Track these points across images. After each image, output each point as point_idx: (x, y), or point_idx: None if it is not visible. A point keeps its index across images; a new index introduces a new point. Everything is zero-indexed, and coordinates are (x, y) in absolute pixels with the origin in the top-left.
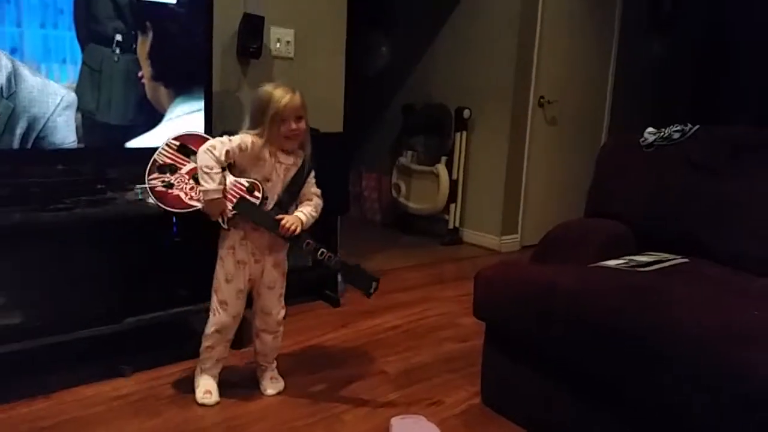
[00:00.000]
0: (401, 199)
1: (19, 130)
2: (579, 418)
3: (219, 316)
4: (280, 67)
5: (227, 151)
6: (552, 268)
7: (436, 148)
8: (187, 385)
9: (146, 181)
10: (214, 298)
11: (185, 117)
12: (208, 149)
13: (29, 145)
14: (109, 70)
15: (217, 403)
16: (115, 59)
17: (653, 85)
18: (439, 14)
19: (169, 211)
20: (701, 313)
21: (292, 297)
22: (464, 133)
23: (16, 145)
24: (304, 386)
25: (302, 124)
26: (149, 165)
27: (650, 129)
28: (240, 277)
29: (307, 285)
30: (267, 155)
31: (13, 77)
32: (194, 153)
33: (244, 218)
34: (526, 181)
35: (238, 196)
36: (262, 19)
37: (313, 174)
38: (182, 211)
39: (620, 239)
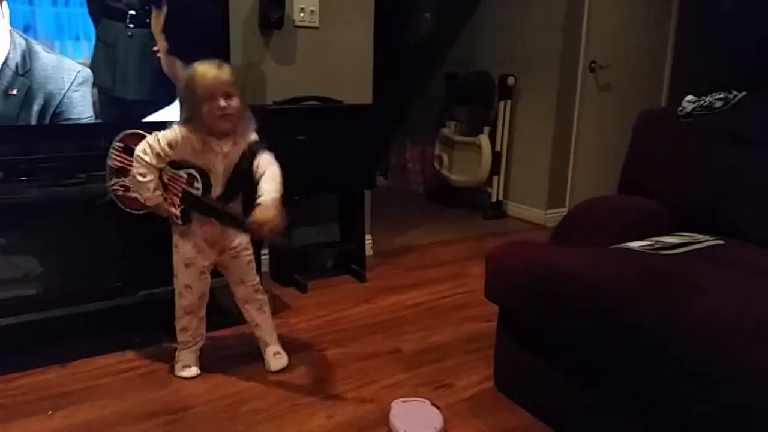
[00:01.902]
0: (443, 171)
1: (36, 107)
2: (589, 409)
3: (185, 299)
4: (303, 37)
5: (158, 155)
6: (564, 250)
7: (479, 118)
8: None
9: (108, 187)
10: (177, 283)
11: None
12: (138, 157)
13: (46, 121)
14: (124, 45)
15: (197, 375)
16: (129, 34)
17: (723, 46)
18: None
19: (131, 212)
20: (725, 305)
21: (317, 271)
22: (508, 102)
23: (33, 121)
24: (313, 361)
25: (234, 102)
26: (107, 170)
27: (690, 97)
28: (198, 259)
29: (334, 259)
30: (200, 145)
31: (28, 55)
32: None
33: (197, 212)
34: (575, 151)
35: (181, 190)
36: None
37: (265, 155)
38: (140, 211)
39: (651, 218)
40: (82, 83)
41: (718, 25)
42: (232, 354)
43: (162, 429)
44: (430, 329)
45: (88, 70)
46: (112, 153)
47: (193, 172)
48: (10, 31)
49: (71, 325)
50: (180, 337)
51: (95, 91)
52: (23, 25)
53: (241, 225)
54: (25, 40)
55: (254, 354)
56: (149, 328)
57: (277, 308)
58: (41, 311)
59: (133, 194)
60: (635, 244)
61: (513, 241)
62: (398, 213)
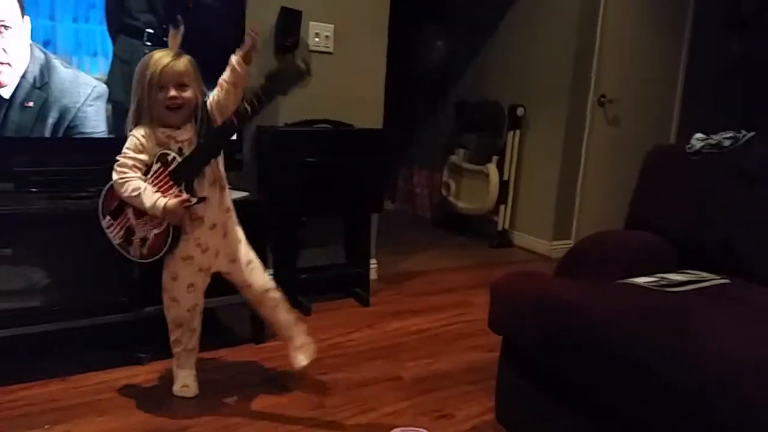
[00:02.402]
0: (450, 198)
1: (51, 120)
2: None
3: (173, 311)
4: (318, 61)
5: (134, 166)
6: (570, 283)
7: (487, 146)
8: (199, 376)
9: (136, 261)
10: (164, 295)
11: None
12: (118, 180)
13: (60, 134)
14: None
15: (196, 395)
16: (146, 52)
17: (731, 87)
18: (498, 8)
19: (146, 262)
20: (732, 346)
21: (322, 293)
22: (517, 132)
23: (47, 133)
24: (313, 385)
25: (187, 93)
26: (123, 254)
27: (698, 135)
28: (187, 272)
29: (338, 282)
30: (163, 138)
31: (46, 69)
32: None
33: (194, 180)
34: (582, 184)
35: (167, 177)
36: (299, 13)
37: None
38: (155, 257)
39: (657, 254)
40: (97, 98)
41: (728, 64)
42: (231, 375)
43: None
44: (432, 357)
45: (104, 86)
46: (110, 234)
47: (162, 151)
48: (30, 45)
49: (75, 339)
50: (173, 349)
51: (109, 106)
52: (43, 39)
53: (239, 120)
54: (45, 54)
55: (253, 375)
56: (153, 345)
57: None
58: (45, 324)
59: (150, 237)
60: (641, 280)
61: (518, 272)
62: (404, 238)
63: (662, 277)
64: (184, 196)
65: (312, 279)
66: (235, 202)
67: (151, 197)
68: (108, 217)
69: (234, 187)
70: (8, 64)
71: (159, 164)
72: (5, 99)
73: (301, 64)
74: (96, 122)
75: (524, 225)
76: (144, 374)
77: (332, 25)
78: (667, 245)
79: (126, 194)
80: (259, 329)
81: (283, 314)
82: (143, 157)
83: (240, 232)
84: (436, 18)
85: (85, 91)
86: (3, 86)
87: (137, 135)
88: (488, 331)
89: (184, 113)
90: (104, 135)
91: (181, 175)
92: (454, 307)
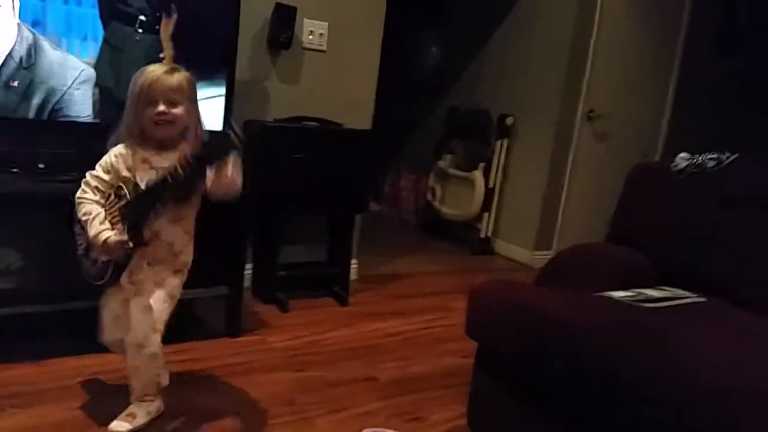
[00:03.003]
0: (435, 203)
1: (36, 101)
2: None
3: (104, 339)
4: (310, 59)
5: (96, 188)
6: (549, 293)
7: (475, 154)
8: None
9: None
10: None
11: (205, 101)
12: (78, 198)
13: (44, 116)
14: (131, 49)
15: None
16: (137, 38)
17: (720, 108)
18: (493, 18)
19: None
20: (715, 362)
21: (301, 290)
22: (505, 141)
23: (31, 114)
24: (287, 383)
25: (177, 110)
26: (81, 263)
27: (683, 154)
28: (112, 301)
29: (318, 280)
30: (134, 161)
31: (33, 49)
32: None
33: (144, 221)
34: (567, 197)
35: (117, 212)
36: (294, 9)
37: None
38: (102, 280)
39: (636, 269)
40: (84, 82)
41: (718, 84)
42: (204, 368)
43: None
44: (407, 360)
45: (92, 70)
46: (77, 241)
47: (119, 185)
48: (18, 24)
49: (50, 323)
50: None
51: (96, 91)
52: (32, 19)
53: (181, 175)
54: (33, 34)
55: (227, 368)
56: None
57: (256, 325)
58: (19, 306)
59: (100, 261)
60: (618, 294)
61: (498, 280)
62: (387, 240)
63: (639, 292)
64: (123, 237)
65: (291, 275)
66: None
67: (97, 228)
68: (78, 226)
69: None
70: None
71: (114, 196)
72: None
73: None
74: (82, 106)
75: (507, 233)
76: (116, 362)
77: (326, 23)
78: (646, 261)
79: (79, 215)
80: (235, 323)
81: (137, 379)
82: (107, 177)
83: (171, 285)
84: (431, 23)
85: (72, 74)
86: None
87: (112, 154)
88: (465, 337)
89: (172, 130)
90: (89, 119)
91: (127, 214)
92: (433, 311)
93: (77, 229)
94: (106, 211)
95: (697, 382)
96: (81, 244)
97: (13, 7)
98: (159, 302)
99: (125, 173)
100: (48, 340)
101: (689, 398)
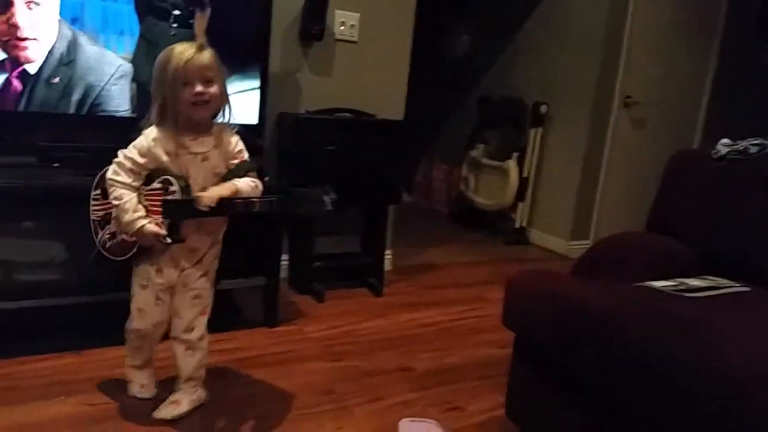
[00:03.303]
0: (469, 193)
1: (76, 96)
2: None
3: (137, 323)
4: (342, 50)
5: (131, 170)
6: (586, 283)
7: (508, 143)
8: (212, 357)
9: (97, 243)
10: (132, 304)
11: (240, 95)
12: (111, 180)
13: (84, 111)
14: (166, 43)
15: (154, 396)
16: (172, 33)
17: (761, 93)
18: (526, 3)
19: (117, 260)
20: (749, 355)
21: (336, 281)
22: (539, 129)
23: (72, 110)
24: (324, 372)
25: (213, 89)
26: (92, 227)
27: (725, 140)
28: (155, 282)
29: (353, 271)
30: (173, 146)
31: (73, 46)
32: None
33: (181, 222)
34: (604, 185)
35: (159, 203)
36: (326, 0)
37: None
38: (126, 256)
39: (677, 259)
40: (121, 77)
41: (758, 70)
42: (242, 357)
43: (168, 423)
44: (444, 350)
45: (129, 65)
46: (91, 206)
47: (168, 177)
48: (58, 21)
49: (90, 314)
50: (129, 353)
51: (134, 85)
52: (71, 16)
53: (243, 206)
54: (72, 31)
55: (264, 357)
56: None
57: (292, 315)
58: (62, 297)
59: (119, 238)
60: (659, 284)
61: (535, 270)
62: (420, 231)
63: (681, 282)
64: (162, 231)
65: (326, 267)
66: None
67: (132, 215)
68: (98, 191)
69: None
70: (35, 39)
71: (160, 186)
72: (32, 74)
73: (327, 202)
74: (120, 101)
75: (542, 223)
76: (163, 351)
77: (358, 14)
78: (687, 250)
79: (110, 197)
80: (273, 313)
81: (190, 365)
82: (143, 161)
83: (209, 268)
84: (462, 11)
85: (110, 69)
86: (30, 62)
87: (148, 137)
88: (501, 327)
89: (211, 109)
90: (127, 114)
91: (170, 210)
92: (468, 301)
93: (95, 194)
94: (142, 195)
95: (729, 372)
96: (97, 211)
97: (53, 5)
98: (206, 288)
99: (164, 158)
100: (89, 331)
101: (721, 388)
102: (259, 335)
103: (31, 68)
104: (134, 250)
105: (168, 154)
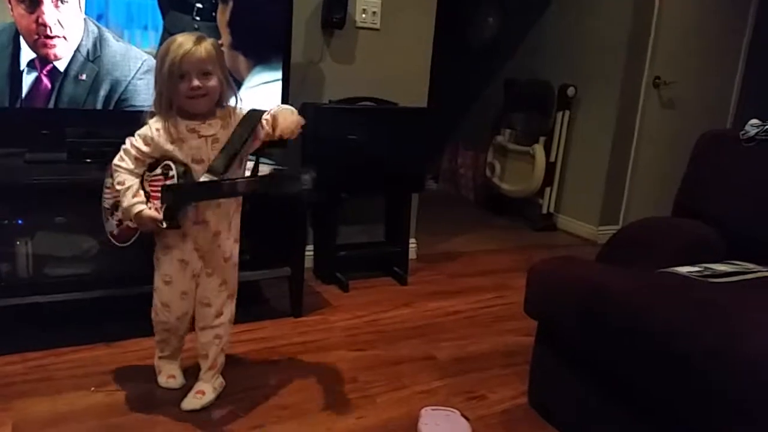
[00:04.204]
0: (495, 179)
1: (103, 92)
2: None
3: (162, 316)
4: (364, 38)
5: (136, 158)
6: (610, 269)
7: (535, 127)
8: (239, 347)
9: (107, 232)
10: (155, 298)
11: (263, 86)
12: (116, 165)
13: (111, 106)
14: None
15: (183, 386)
16: (195, 26)
17: None
18: None
19: (122, 246)
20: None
21: (360, 270)
22: (567, 112)
23: (99, 105)
24: (348, 361)
25: (211, 82)
26: (102, 213)
27: (754, 120)
28: (181, 277)
29: (377, 260)
30: (178, 133)
31: (99, 42)
32: None
33: (183, 207)
34: (633, 168)
35: (159, 189)
36: None
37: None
38: (129, 242)
39: (704, 244)
40: (147, 71)
41: None
42: (269, 347)
43: (196, 413)
44: (467, 339)
45: (153, 60)
46: (104, 194)
47: (169, 163)
48: (84, 19)
49: (121, 306)
50: (158, 346)
51: None
52: (97, 13)
53: (231, 187)
54: (98, 27)
55: (290, 347)
56: None
57: (318, 305)
58: (94, 290)
59: (124, 224)
60: (684, 269)
61: (557, 257)
62: (446, 218)
63: (706, 267)
64: (159, 216)
65: (351, 256)
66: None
67: (130, 200)
68: (111, 179)
69: (277, 164)
70: (63, 37)
71: (160, 172)
72: (60, 71)
73: (305, 180)
74: (146, 96)
75: (570, 208)
76: (187, 342)
77: (380, 1)
78: (715, 235)
79: (114, 182)
80: (298, 303)
81: (215, 350)
82: (147, 149)
83: (231, 252)
84: None
85: (135, 64)
86: (58, 59)
87: (152, 128)
88: (526, 315)
89: (208, 102)
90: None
91: (170, 196)
92: (493, 289)
93: (108, 182)
94: (145, 181)
95: (755, 359)
96: (109, 198)
97: (79, 2)
98: (230, 272)
99: (168, 146)
100: (120, 323)
101: (748, 376)
102: (285, 325)
103: (59, 65)
104: (136, 236)
105: (173, 142)
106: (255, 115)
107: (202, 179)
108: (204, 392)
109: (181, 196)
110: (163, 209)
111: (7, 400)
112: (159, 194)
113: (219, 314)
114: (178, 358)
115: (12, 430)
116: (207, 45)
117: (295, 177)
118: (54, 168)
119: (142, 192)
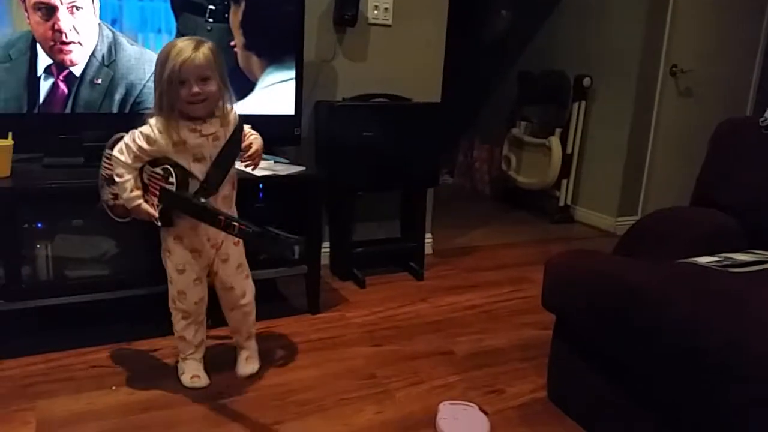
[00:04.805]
0: (510, 173)
1: (118, 96)
2: (643, 428)
3: (180, 304)
4: (376, 34)
5: (135, 154)
6: (628, 261)
7: (551, 119)
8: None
9: (102, 197)
10: (171, 290)
11: (276, 86)
12: (115, 157)
13: (127, 110)
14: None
15: (208, 385)
16: (208, 28)
17: None
18: None
19: (119, 221)
20: None
21: (376, 266)
22: (583, 103)
23: (115, 109)
24: (366, 357)
25: (210, 87)
26: (99, 180)
27: None
28: (194, 265)
29: (393, 256)
30: (179, 135)
31: (113, 46)
32: None
33: (172, 211)
34: (651, 158)
35: (158, 188)
36: None
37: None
38: (127, 219)
39: (723, 233)
40: None
41: None
42: (286, 344)
43: (216, 410)
44: (485, 333)
45: None
46: (103, 162)
47: (168, 167)
48: (99, 24)
49: (140, 307)
50: (179, 345)
51: None
52: (111, 18)
53: (224, 222)
54: (112, 32)
55: (308, 344)
56: (216, 313)
57: (335, 301)
58: (113, 291)
59: (121, 201)
60: (703, 260)
61: (574, 250)
62: (462, 212)
63: (726, 257)
64: (155, 213)
65: (367, 252)
66: (293, 176)
67: (129, 193)
68: (111, 151)
69: (291, 162)
70: (79, 43)
71: (161, 172)
72: (76, 77)
73: (296, 251)
74: None
75: (587, 200)
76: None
77: None
78: (734, 224)
79: (114, 171)
80: (315, 300)
81: (249, 324)
82: (149, 148)
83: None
84: None
85: (149, 67)
86: (74, 65)
87: (153, 128)
88: (543, 309)
89: (207, 106)
90: None
91: (166, 199)
92: (510, 283)
93: (107, 152)
94: (145, 173)
95: None
96: (107, 170)
97: (94, 8)
98: (242, 253)
99: (170, 148)
100: (140, 324)
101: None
102: (303, 322)
103: (76, 71)
104: (123, 220)
105: (175, 144)
106: (240, 129)
107: (196, 193)
108: (253, 358)
109: (177, 206)
110: (159, 209)
111: (30, 399)
112: (157, 191)
113: (243, 294)
114: (201, 357)
115: (36, 429)
116: (205, 50)
117: (289, 245)
118: (72, 172)
119: (140, 184)
